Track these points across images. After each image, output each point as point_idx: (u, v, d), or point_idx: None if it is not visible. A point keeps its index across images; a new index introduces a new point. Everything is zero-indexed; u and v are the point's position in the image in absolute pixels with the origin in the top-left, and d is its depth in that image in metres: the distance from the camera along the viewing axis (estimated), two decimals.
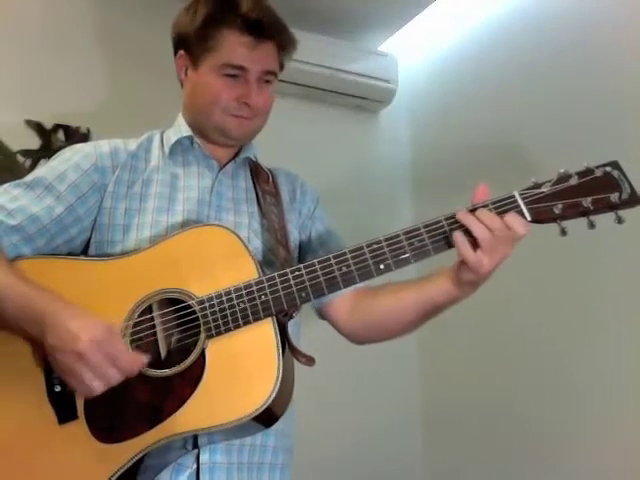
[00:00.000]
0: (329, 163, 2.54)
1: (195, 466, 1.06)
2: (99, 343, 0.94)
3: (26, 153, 1.99)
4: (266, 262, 1.14)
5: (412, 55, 2.69)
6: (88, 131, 2.10)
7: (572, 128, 1.95)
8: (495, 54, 2.29)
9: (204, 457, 1.06)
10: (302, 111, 2.53)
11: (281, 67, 1.26)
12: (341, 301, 1.23)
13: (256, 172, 1.30)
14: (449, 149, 2.47)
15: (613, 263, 1.81)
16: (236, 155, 1.29)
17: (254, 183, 1.28)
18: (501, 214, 0.99)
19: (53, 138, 2.06)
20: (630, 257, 1.76)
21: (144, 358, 0.99)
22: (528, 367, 2.05)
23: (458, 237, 0.99)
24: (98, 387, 0.94)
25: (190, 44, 1.21)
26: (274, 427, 1.06)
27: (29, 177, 1.16)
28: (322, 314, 1.28)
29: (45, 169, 1.18)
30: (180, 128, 1.26)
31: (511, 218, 0.98)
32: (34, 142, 2.02)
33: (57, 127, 2.07)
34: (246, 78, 1.19)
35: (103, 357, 0.94)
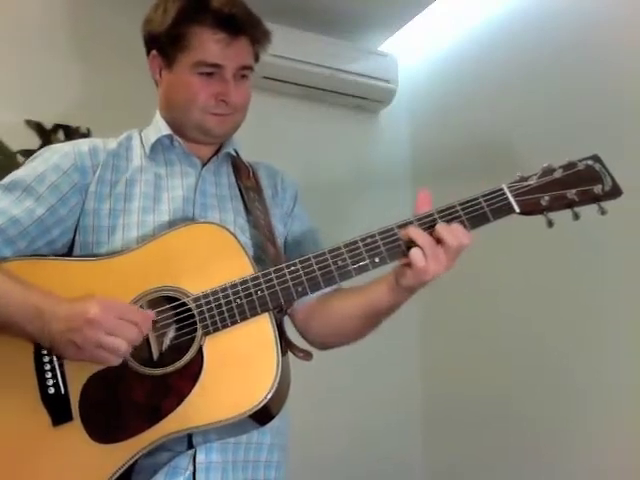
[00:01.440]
0: (329, 163, 2.54)
1: (192, 468, 1.05)
2: (108, 306, 0.96)
3: (26, 153, 1.98)
4: (255, 259, 1.12)
5: (412, 55, 2.69)
6: (88, 131, 2.10)
7: (572, 128, 1.95)
8: (495, 54, 2.29)
9: (200, 457, 1.05)
10: (302, 111, 2.53)
11: (256, 59, 1.24)
12: (304, 307, 1.22)
13: (237, 167, 1.28)
14: (449, 149, 2.46)
15: (614, 258, 1.81)
16: (217, 151, 1.27)
17: (237, 179, 1.27)
18: (449, 222, 1.01)
19: (53, 138, 2.05)
20: (625, 249, 1.76)
21: (152, 312, 1.01)
22: (530, 366, 2.05)
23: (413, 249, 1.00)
24: (122, 346, 0.95)
25: (162, 44, 1.18)
26: (269, 425, 1.06)
27: (7, 179, 1.14)
28: (291, 318, 1.26)
29: (23, 170, 1.15)
30: (159, 127, 1.24)
31: (456, 227, 1.00)
32: (34, 142, 2.02)
33: (57, 127, 2.07)
34: (222, 75, 1.17)
35: (115, 317, 0.96)
